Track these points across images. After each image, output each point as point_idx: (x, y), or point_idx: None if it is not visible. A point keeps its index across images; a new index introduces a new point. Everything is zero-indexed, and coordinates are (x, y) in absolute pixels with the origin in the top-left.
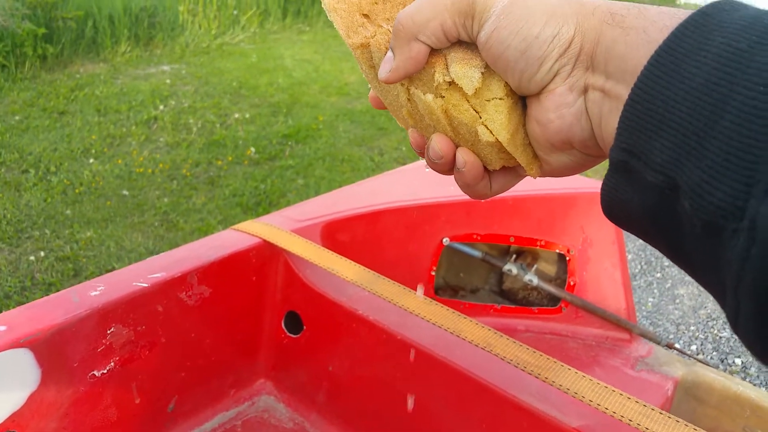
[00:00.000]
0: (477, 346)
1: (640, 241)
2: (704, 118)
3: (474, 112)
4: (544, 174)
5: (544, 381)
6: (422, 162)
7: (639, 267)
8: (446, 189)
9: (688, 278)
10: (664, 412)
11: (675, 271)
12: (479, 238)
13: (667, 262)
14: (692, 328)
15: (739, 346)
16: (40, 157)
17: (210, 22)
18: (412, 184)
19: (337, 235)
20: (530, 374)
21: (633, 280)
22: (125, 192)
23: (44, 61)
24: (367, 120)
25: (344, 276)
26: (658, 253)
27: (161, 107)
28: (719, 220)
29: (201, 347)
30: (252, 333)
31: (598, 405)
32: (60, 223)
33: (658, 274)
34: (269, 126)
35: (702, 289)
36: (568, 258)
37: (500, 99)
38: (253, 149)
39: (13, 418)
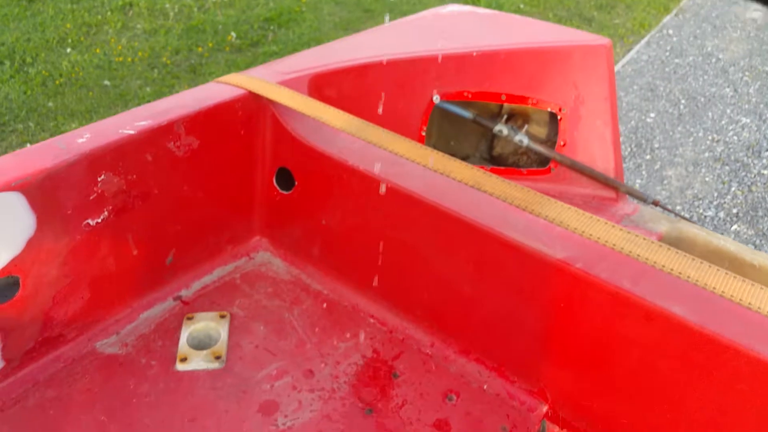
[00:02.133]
0: (467, 185)
1: (632, 122)
2: None
3: None
4: None
5: (531, 213)
6: (413, 17)
7: (629, 149)
8: (437, 43)
9: (677, 159)
10: (647, 238)
11: (665, 153)
12: (470, 96)
13: (657, 143)
14: (678, 208)
15: (723, 225)
16: (13, 47)
17: None
18: (402, 39)
19: (324, 89)
20: (518, 207)
21: (622, 163)
22: (106, 82)
23: None
24: (352, 2)
25: (333, 124)
26: (648, 135)
27: None
28: None
29: (194, 202)
30: (244, 190)
31: (583, 232)
32: (43, 115)
33: (648, 156)
34: (249, 9)
35: (690, 169)
36: (559, 117)
37: None
38: (233, 34)
39: (15, 262)
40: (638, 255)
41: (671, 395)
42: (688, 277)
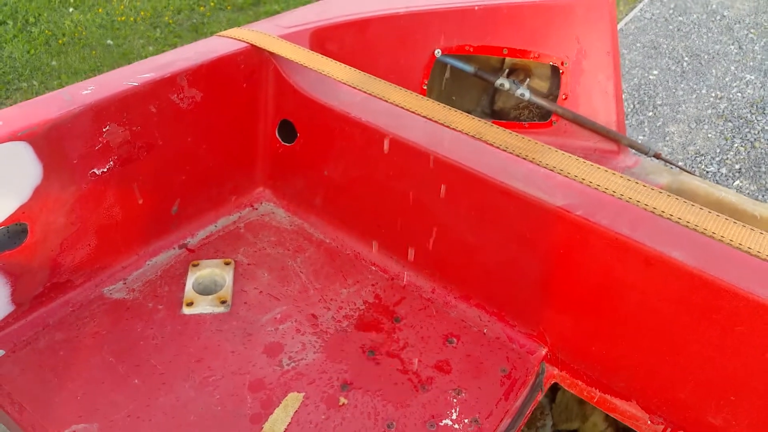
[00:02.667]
0: (468, 134)
1: (635, 80)
2: None
3: None
4: None
5: (532, 161)
6: None
7: (632, 106)
8: None
9: (679, 116)
10: (647, 185)
11: (667, 109)
12: (472, 49)
13: (659, 100)
14: (680, 163)
15: (726, 180)
16: (16, 7)
17: None
18: None
19: (326, 43)
20: (519, 156)
21: (624, 120)
22: (109, 41)
23: None
24: None
25: (335, 77)
26: (651, 91)
27: None
28: None
29: (198, 154)
30: (247, 143)
31: (584, 180)
32: (47, 74)
33: (650, 113)
34: None
35: (692, 126)
36: (561, 71)
37: None
38: None
39: (23, 210)
40: (638, 201)
41: (671, 337)
42: (688, 222)
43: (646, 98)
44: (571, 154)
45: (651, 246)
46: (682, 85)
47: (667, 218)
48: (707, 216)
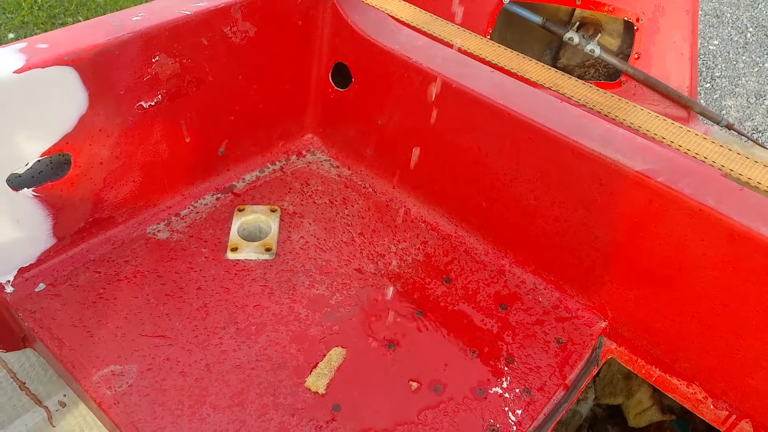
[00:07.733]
0: (543, 86)
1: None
2: None
3: None
4: None
5: (614, 119)
6: None
7: None
8: None
9: (738, 89)
10: (741, 153)
11: (726, 82)
12: None
13: (718, 72)
14: (755, 137)
15: None
16: None
17: None
18: None
19: None
20: (599, 113)
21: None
22: None
23: None
24: None
25: (398, 16)
26: (709, 62)
27: None
28: None
29: (249, 93)
30: (299, 85)
31: (672, 142)
32: (92, 10)
33: (707, 85)
34: None
35: (751, 101)
36: (636, 27)
37: None
38: None
39: (67, 140)
40: (731, 170)
41: (749, 320)
42: None
43: (704, 69)
44: (659, 115)
45: (737, 220)
46: (744, 57)
47: (764, 190)
48: None
